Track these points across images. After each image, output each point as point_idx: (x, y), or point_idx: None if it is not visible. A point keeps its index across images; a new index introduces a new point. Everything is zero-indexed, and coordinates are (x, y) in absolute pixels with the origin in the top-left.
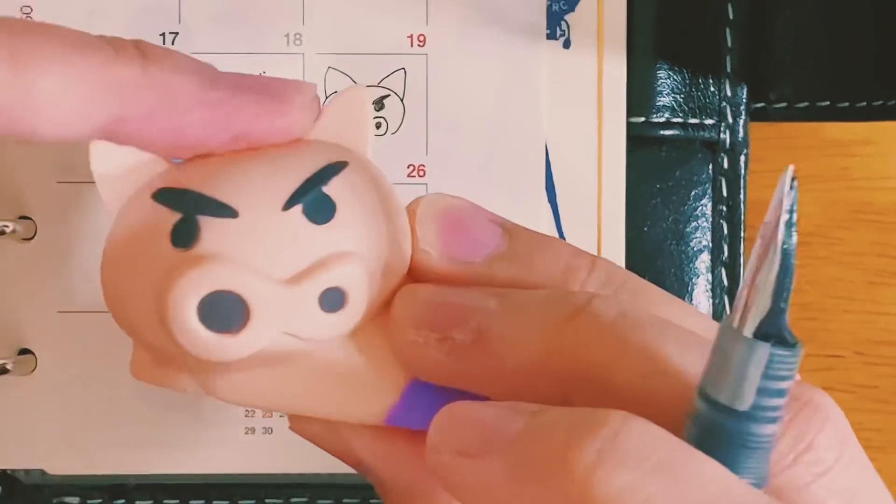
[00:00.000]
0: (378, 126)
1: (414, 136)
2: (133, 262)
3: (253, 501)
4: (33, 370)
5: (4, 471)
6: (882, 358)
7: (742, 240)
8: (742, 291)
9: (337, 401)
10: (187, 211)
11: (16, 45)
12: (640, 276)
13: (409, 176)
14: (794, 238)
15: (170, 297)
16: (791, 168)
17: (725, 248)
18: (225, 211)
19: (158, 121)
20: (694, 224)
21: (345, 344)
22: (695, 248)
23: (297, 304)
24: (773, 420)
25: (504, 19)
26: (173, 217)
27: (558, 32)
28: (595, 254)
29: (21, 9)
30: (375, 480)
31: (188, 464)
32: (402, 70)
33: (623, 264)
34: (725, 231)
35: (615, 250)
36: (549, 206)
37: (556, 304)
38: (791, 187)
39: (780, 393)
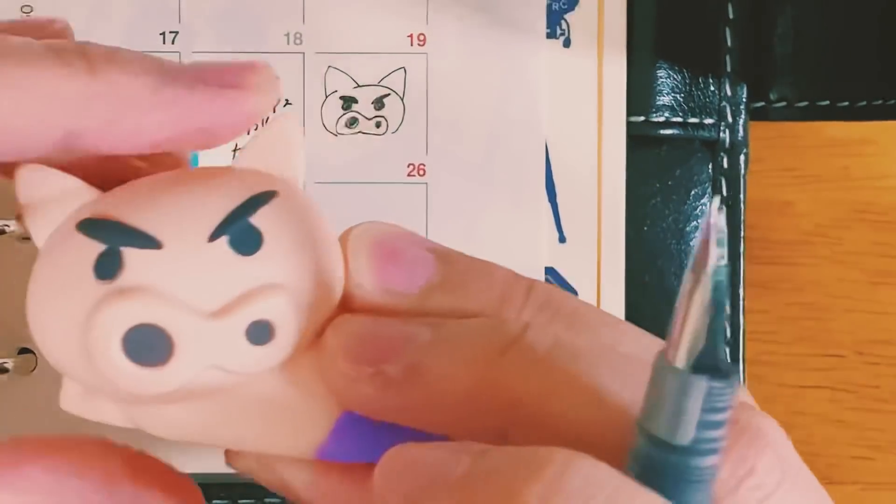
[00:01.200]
0: (378, 125)
1: (414, 136)
2: (57, 294)
3: (253, 501)
4: (33, 370)
5: None
6: (882, 358)
7: (742, 239)
8: (674, 323)
9: (267, 435)
10: (111, 242)
11: None
12: (639, 276)
13: (409, 175)
14: (725, 264)
15: (93, 330)
16: (717, 199)
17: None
18: (149, 242)
19: (115, 128)
20: (694, 224)
21: (274, 377)
22: (695, 248)
23: (222, 337)
24: (714, 451)
25: (504, 18)
26: (97, 248)
27: (558, 31)
28: (535, 278)
29: (21, 8)
30: None
31: (188, 463)
32: (403, 69)
33: (623, 264)
34: (725, 231)
35: (615, 250)
36: (549, 205)
37: (489, 336)
38: (720, 211)
39: (719, 424)
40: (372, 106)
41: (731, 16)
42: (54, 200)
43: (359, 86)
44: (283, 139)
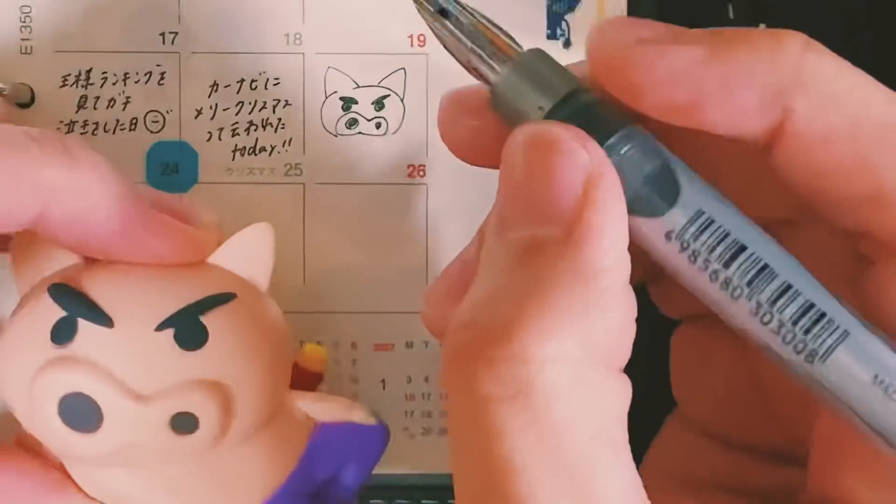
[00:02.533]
0: (378, 126)
1: (414, 137)
2: (18, 347)
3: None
4: None
5: None
6: None
7: None
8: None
9: None
10: (70, 311)
11: None
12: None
13: (409, 176)
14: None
15: (34, 389)
16: None
17: None
18: (103, 319)
19: (75, 227)
20: None
21: (200, 463)
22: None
23: (145, 420)
24: None
25: (504, 19)
26: (59, 313)
27: (558, 32)
28: None
29: (20, 8)
30: None
31: None
32: (403, 70)
33: None
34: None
35: None
36: None
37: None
38: None
39: None
40: (372, 107)
41: (731, 16)
42: (42, 260)
43: (359, 86)
44: (256, 246)
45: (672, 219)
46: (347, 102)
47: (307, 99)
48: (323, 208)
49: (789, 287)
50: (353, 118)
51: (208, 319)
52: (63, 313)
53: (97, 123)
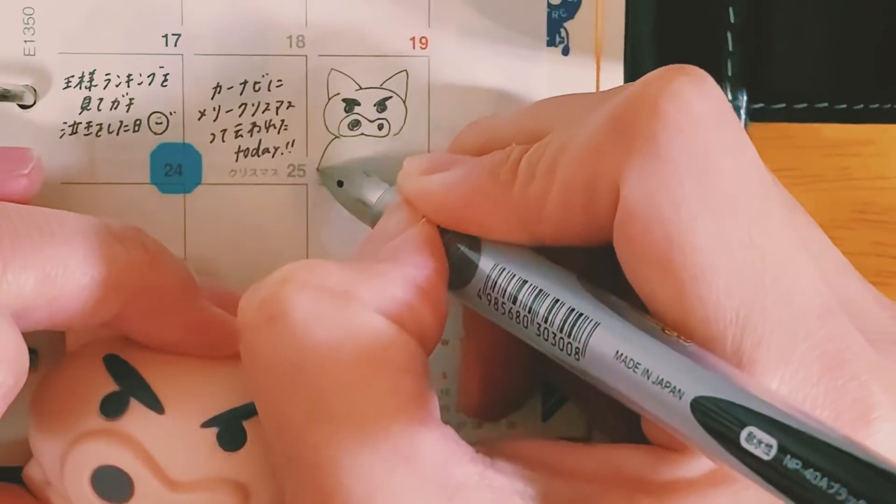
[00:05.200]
0: (380, 128)
1: (416, 138)
2: (66, 406)
3: None
4: (35, 369)
5: (9, 467)
6: None
7: None
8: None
9: None
10: (124, 388)
11: (42, 261)
12: None
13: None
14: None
15: (75, 452)
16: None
17: None
18: (155, 405)
19: (149, 324)
20: None
21: None
22: None
23: None
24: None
25: (504, 26)
26: (111, 386)
27: (557, 39)
28: None
29: (23, 10)
30: None
31: None
32: (405, 72)
33: None
34: None
35: None
36: None
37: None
38: None
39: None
40: (374, 108)
41: (731, 20)
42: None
43: (361, 88)
44: None
45: (475, 284)
46: (350, 104)
47: (310, 101)
48: (325, 209)
49: (557, 301)
50: (355, 120)
51: (249, 424)
52: (116, 387)
53: (100, 125)
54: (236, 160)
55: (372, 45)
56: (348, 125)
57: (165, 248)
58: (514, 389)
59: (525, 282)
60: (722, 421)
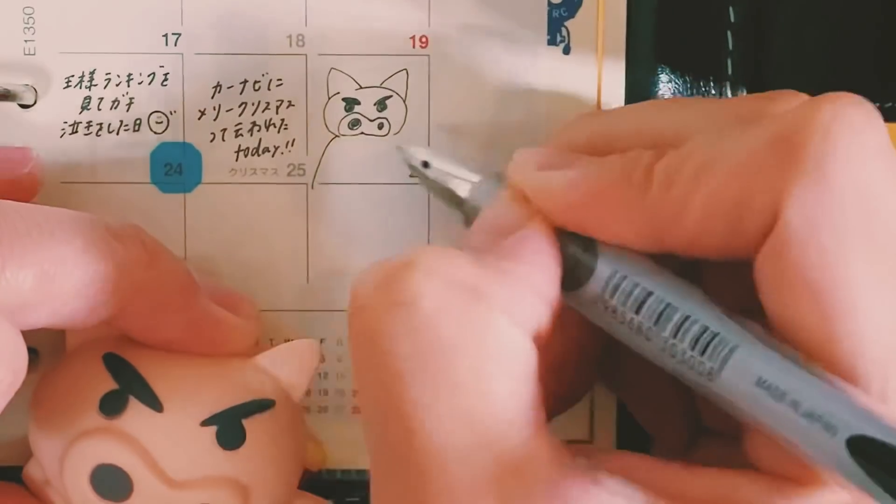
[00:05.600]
0: (380, 127)
1: (416, 137)
2: (63, 404)
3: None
4: (35, 368)
5: (9, 467)
6: None
7: None
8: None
9: None
10: (123, 386)
11: (41, 260)
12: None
13: (411, 176)
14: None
15: (74, 451)
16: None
17: None
18: (154, 403)
19: (147, 322)
20: None
21: None
22: None
23: (172, 503)
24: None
25: (505, 25)
26: (110, 384)
27: (558, 38)
28: None
29: (23, 10)
30: None
31: None
32: (405, 71)
33: None
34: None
35: None
36: None
37: None
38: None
39: None
40: (374, 108)
41: (732, 19)
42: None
43: (361, 87)
44: (302, 358)
45: (590, 288)
46: (350, 103)
47: (310, 100)
48: (326, 208)
49: (688, 317)
50: (355, 119)
51: (248, 423)
52: (115, 386)
53: (101, 125)
54: (236, 159)
55: (372, 44)
56: (348, 124)
57: (165, 246)
58: (575, 390)
59: (650, 293)
60: (883, 462)
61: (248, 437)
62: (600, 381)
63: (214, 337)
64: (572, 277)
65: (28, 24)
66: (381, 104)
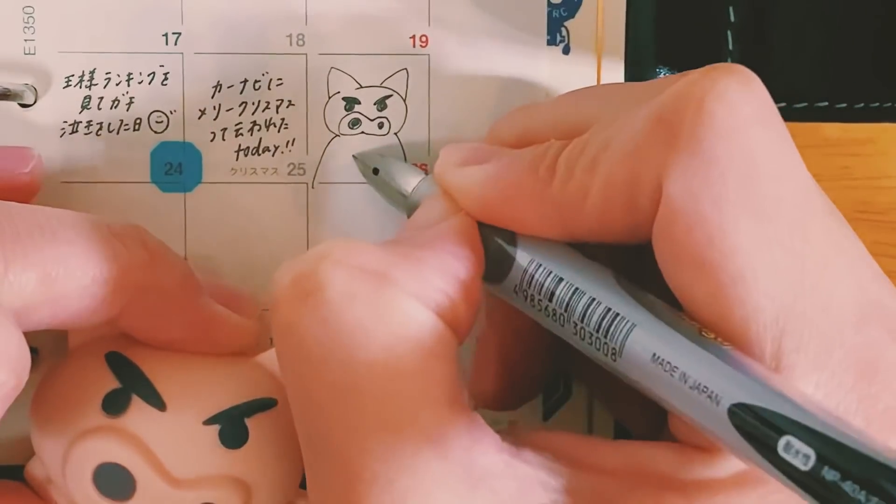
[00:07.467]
0: (381, 126)
1: (416, 136)
2: (65, 403)
3: None
4: (36, 367)
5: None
6: None
7: None
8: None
9: None
10: (126, 385)
11: (43, 261)
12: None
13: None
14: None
15: (77, 449)
16: None
17: None
18: (157, 402)
19: (149, 321)
20: None
21: None
22: None
23: (174, 502)
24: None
25: (505, 24)
26: (113, 383)
27: (558, 38)
28: None
29: (23, 9)
30: None
31: None
32: (405, 70)
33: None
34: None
35: None
36: None
37: None
38: None
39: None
40: (374, 107)
41: (732, 19)
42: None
43: (361, 87)
44: None
45: (511, 279)
46: (350, 102)
47: (310, 99)
48: (326, 208)
49: (593, 300)
50: (355, 118)
51: (251, 422)
52: (118, 384)
53: (101, 124)
54: (236, 159)
55: (372, 44)
56: (348, 124)
57: (166, 246)
58: (529, 381)
59: (561, 279)
60: (760, 429)
61: (251, 436)
62: (575, 376)
63: (216, 336)
64: (500, 269)
65: (28, 23)
66: (382, 103)
